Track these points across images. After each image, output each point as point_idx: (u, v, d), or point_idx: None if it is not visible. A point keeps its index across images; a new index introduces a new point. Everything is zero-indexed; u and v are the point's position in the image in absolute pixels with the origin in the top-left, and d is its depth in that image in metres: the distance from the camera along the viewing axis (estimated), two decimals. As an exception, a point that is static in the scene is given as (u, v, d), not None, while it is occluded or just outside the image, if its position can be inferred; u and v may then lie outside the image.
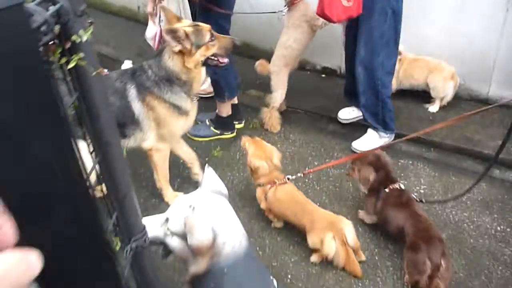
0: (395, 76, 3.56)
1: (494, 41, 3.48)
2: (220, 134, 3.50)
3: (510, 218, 2.63)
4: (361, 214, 2.62)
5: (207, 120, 3.54)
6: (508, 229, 2.55)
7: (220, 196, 1.42)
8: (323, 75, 4.48)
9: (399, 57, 3.47)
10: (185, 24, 2.45)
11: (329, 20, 2.89)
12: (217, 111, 3.45)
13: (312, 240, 2.30)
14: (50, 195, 0.54)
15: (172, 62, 2.41)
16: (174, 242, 1.38)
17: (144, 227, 1.29)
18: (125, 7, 6.07)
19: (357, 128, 3.47)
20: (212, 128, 3.49)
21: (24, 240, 0.46)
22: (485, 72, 3.63)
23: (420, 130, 3.33)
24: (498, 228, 2.56)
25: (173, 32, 2.30)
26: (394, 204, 2.37)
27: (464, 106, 3.66)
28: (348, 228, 2.27)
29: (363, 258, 2.36)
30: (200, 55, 2.44)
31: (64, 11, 0.85)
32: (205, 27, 2.46)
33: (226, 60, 2.60)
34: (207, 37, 2.44)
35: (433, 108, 3.65)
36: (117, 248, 1.20)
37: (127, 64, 4.68)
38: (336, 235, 2.23)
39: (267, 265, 2.36)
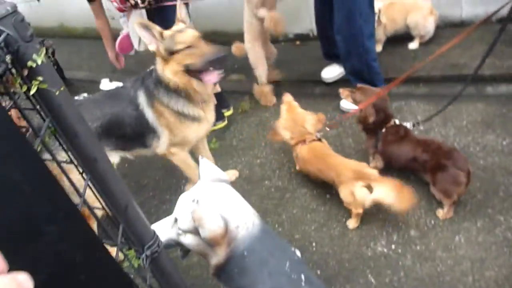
0: (382, 27, 3.53)
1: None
2: (212, 126, 3.48)
3: (514, 131, 2.62)
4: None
5: (196, 116, 3.51)
6: (514, 142, 2.55)
7: (221, 183, 1.41)
8: (297, 42, 4.44)
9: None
10: (178, 28, 2.29)
11: None
12: None
13: (343, 195, 2.29)
14: (32, 219, 0.53)
15: (158, 66, 2.30)
16: (189, 240, 1.38)
17: (154, 233, 1.28)
18: (89, 27, 5.99)
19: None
20: None
21: (19, 264, 0.45)
22: (454, -5, 3.59)
23: (406, 69, 3.31)
24: (504, 143, 2.55)
25: (145, 27, 2.19)
26: (396, 140, 2.40)
27: (442, 33, 3.62)
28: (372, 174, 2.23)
29: None
30: (175, 63, 2.23)
31: (11, 40, 0.84)
32: (186, 33, 2.24)
33: (212, 78, 2.29)
34: (180, 44, 2.20)
35: (413, 45, 3.62)
36: (133, 259, 1.20)
37: (105, 83, 4.64)
38: (365, 183, 2.19)
39: (289, 239, 2.37)
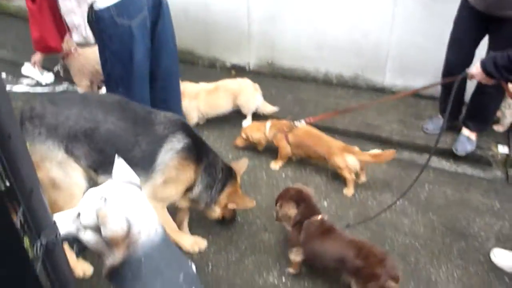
0: (197, 111, 3.59)
1: (386, 35, 3.80)
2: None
3: (408, 194, 2.89)
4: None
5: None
6: (406, 202, 2.83)
7: (132, 186, 1.43)
8: (233, 72, 4.57)
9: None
10: None
11: None
12: None
13: None
14: None
15: None
16: (88, 236, 1.36)
17: (54, 223, 1.27)
18: (22, 7, 5.70)
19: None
20: None
21: None
22: (380, 63, 3.95)
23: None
24: (397, 202, 2.81)
25: None
26: (320, 234, 2.19)
27: (364, 95, 3.96)
28: None
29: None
30: None
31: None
32: None
33: None
34: None
35: (247, 122, 3.72)
36: (27, 246, 1.17)
37: (27, 67, 4.41)
38: None
39: (187, 257, 2.39)
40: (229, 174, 2.38)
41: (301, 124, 3.13)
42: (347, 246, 2.10)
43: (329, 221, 2.26)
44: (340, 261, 2.09)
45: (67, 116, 2.03)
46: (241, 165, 2.52)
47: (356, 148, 2.96)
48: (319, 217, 2.23)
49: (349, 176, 2.89)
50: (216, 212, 2.40)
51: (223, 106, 3.68)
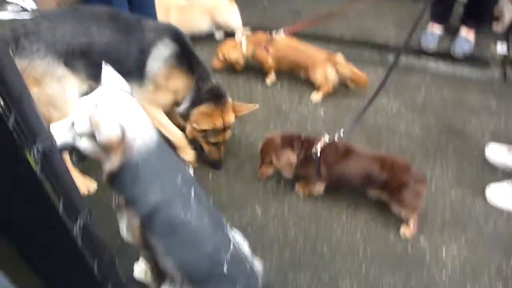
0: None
1: None
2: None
3: (404, 97, 2.90)
4: (301, 189, 2.33)
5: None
6: (402, 106, 2.84)
7: (123, 92, 1.43)
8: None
9: None
10: None
11: None
12: None
13: None
14: None
15: None
16: (84, 144, 1.39)
17: (48, 129, 1.28)
18: None
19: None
20: None
21: None
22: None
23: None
24: (394, 106, 2.82)
25: None
26: (342, 158, 2.13)
27: (361, 1, 3.81)
28: None
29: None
30: None
31: None
32: None
33: None
34: None
35: (238, 36, 3.49)
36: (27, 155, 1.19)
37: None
38: None
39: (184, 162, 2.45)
40: (214, 95, 2.27)
41: (280, 36, 3.01)
42: (370, 162, 2.07)
43: (340, 142, 2.18)
44: (366, 179, 2.08)
45: (63, 31, 2.01)
46: (244, 106, 2.41)
47: (340, 57, 2.89)
48: (322, 141, 2.15)
49: (326, 88, 2.89)
50: (187, 128, 2.37)
51: (199, 24, 3.49)
